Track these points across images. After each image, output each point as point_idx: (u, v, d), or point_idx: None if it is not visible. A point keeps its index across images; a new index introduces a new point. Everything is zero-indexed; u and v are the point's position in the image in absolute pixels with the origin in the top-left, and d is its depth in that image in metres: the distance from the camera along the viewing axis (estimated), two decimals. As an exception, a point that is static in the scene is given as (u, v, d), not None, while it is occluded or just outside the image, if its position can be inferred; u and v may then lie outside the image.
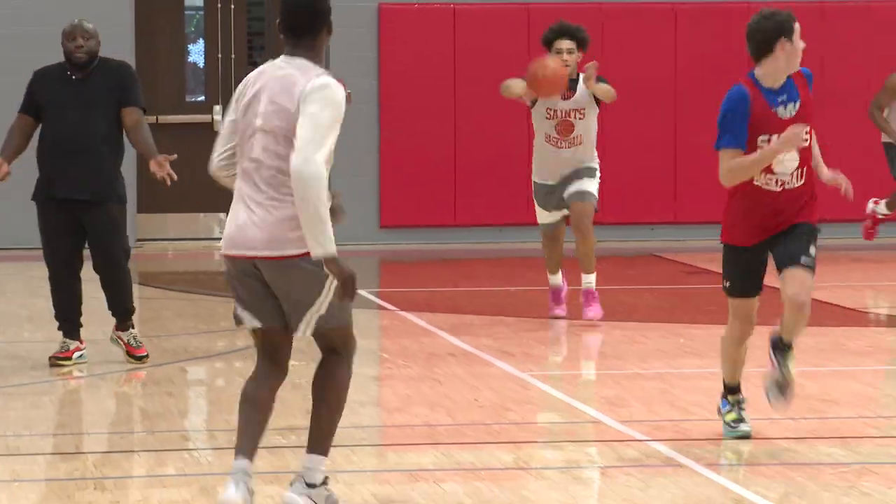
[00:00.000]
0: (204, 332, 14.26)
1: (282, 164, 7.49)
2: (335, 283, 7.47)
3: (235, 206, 7.68)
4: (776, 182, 8.92)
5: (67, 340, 12.75)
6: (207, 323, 14.94)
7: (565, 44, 13.58)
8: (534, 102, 13.82)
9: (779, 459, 9.57)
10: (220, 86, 21.69)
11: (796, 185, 8.96)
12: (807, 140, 8.87)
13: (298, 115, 7.44)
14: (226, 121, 7.83)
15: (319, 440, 7.71)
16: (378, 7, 21.08)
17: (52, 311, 12.80)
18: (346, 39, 20.84)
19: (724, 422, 9.57)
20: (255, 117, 7.60)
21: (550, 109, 13.75)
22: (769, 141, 8.83)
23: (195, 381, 12.46)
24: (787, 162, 8.82)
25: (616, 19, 21.35)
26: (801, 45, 8.91)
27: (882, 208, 19.54)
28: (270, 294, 7.69)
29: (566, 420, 11.16)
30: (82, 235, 12.65)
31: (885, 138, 19.65)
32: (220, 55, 21.86)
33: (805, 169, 8.96)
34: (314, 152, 7.38)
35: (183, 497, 8.80)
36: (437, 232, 21.05)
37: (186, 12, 21.93)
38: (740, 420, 9.51)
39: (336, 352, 7.82)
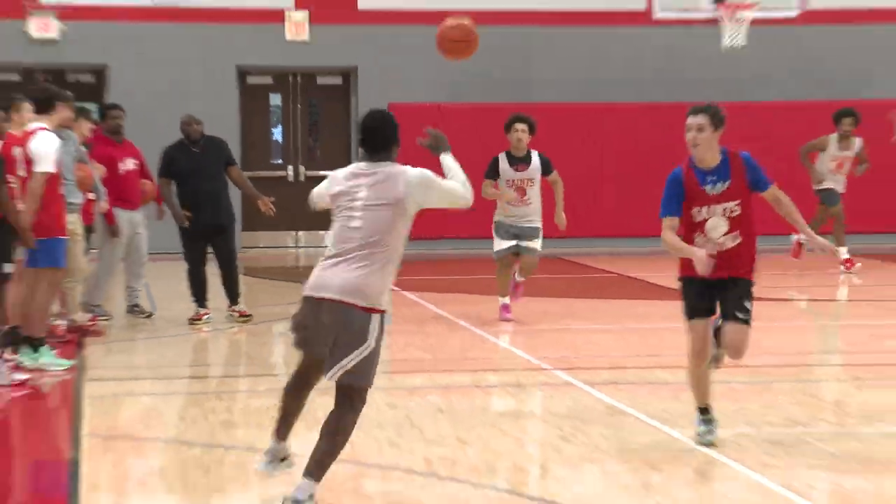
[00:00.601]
0: (282, 304, 14.37)
1: (373, 238, 6.09)
2: (368, 350, 6.04)
3: (324, 263, 6.15)
4: (713, 243, 7.22)
5: (199, 308, 12.89)
6: (286, 298, 15.02)
7: (520, 126, 12.47)
8: (496, 176, 12.47)
9: (631, 381, 9.69)
10: (292, 154, 21.75)
11: (731, 246, 7.24)
12: (725, 231, 7.24)
13: (407, 199, 6.15)
14: (325, 185, 6.38)
15: (315, 468, 6.04)
16: (388, 105, 20.92)
17: (189, 290, 12.94)
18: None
19: (697, 432, 7.52)
20: (355, 201, 6.13)
21: (510, 180, 12.40)
22: (700, 211, 7.23)
23: (279, 334, 12.56)
24: (718, 228, 7.21)
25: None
26: (687, 135, 7.22)
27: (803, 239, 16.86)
28: (327, 336, 6.08)
29: (504, 357, 11.25)
30: (207, 244, 12.79)
31: (815, 186, 16.89)
32: (291, 135, 21.80)
33: (739, 233, 7.25)
34: (461, 188, 6.34)
35: (268, 404, 8.78)
36: (424, 242, 20.91)
37: (271, 108, 21.92)
38: (709, 433, 7.49)
39: (349, 402, 6.11)
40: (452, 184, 6.34)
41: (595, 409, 8.60)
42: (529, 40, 21.08)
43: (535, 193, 12.55)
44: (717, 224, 7.22)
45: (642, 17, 19.88)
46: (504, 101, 20.21)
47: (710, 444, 7.38)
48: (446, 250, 21.01)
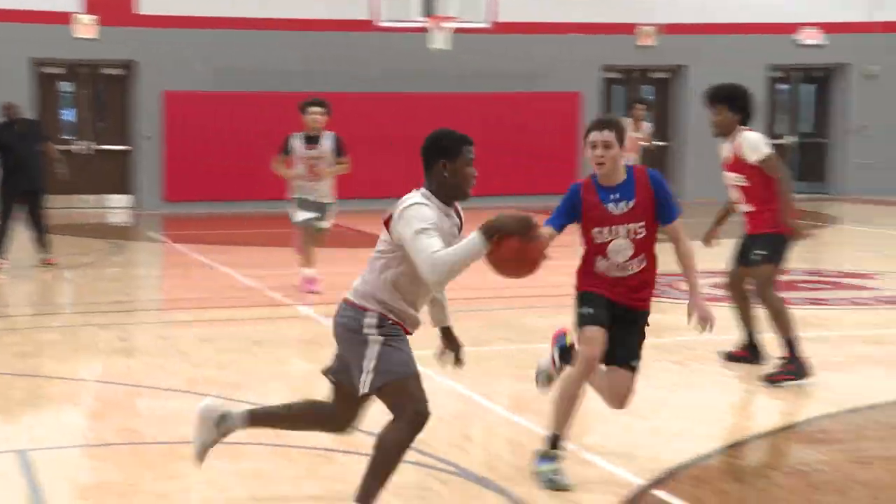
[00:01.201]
0: (71, 255, 13.71)
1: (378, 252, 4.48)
2: (377, 349, 4.39)
3: None
4: (616, 267, 5.32)
5: (1, 260, 12.30)
6: (75, 250, 14.36)
7: (315, 109, 10.47)
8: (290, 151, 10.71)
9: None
10: (82, 131, 20.87)
11: (636, 271, 5.34)
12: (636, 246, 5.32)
13: (393, 226, 4.41)
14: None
15: (360, 487, 4.34)
16: (162, 93, 20.23)
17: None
18: (145, 113, 20.23)
19: (543, 471, 5.14)
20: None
21: (302, 157, 10.63)
22: (602, 232, 5.30)
23: (67, 280, 12.03)
24: (623, 251, 5.30)
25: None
26: (594, 153, 5.25)
27: None
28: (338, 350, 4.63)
29: (255, 296, 10.80)
30: (17, 204, 12.41)
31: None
32: (80, 116, 20.78)
33: (643, 256, 5.34)
34: (423, 261, 4.24)
35: (58, 338, 8.47)
36: (212, 204, 20.49)
37: (62, 94, 20.82)
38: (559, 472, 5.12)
39: (391, 411, 4.37)
40: (422, 246, 4.28)
41: (327, 335, 8.46)
42: (284, 40, 20.61)
43: (325, 171, 10.72)
44: (621, 247, 5.31)
45: (368, 25, 19.85)
46: (258, 91, 19.98)
47: (563, 488, 5.05)
48: (247, 210, 19.96)
